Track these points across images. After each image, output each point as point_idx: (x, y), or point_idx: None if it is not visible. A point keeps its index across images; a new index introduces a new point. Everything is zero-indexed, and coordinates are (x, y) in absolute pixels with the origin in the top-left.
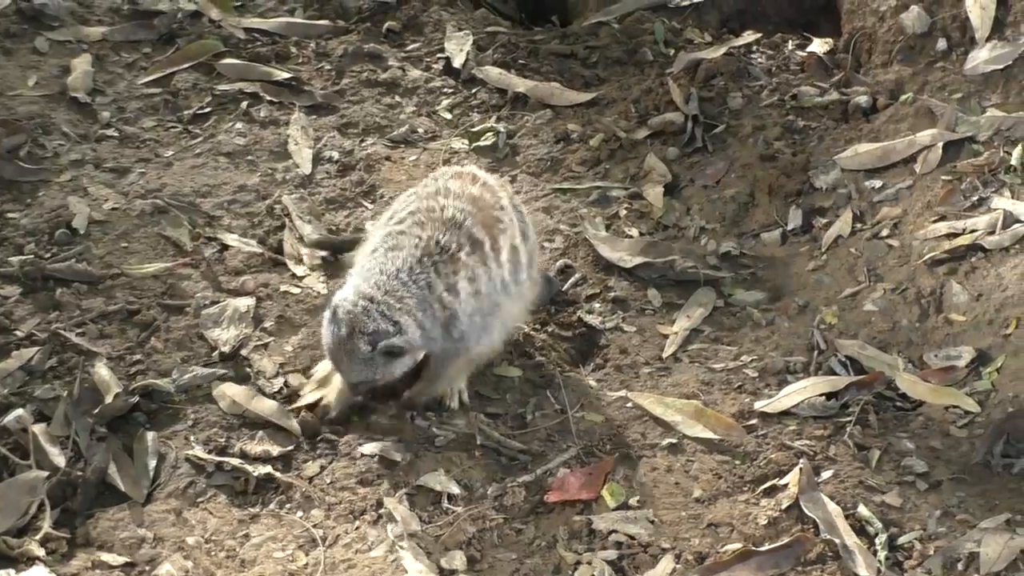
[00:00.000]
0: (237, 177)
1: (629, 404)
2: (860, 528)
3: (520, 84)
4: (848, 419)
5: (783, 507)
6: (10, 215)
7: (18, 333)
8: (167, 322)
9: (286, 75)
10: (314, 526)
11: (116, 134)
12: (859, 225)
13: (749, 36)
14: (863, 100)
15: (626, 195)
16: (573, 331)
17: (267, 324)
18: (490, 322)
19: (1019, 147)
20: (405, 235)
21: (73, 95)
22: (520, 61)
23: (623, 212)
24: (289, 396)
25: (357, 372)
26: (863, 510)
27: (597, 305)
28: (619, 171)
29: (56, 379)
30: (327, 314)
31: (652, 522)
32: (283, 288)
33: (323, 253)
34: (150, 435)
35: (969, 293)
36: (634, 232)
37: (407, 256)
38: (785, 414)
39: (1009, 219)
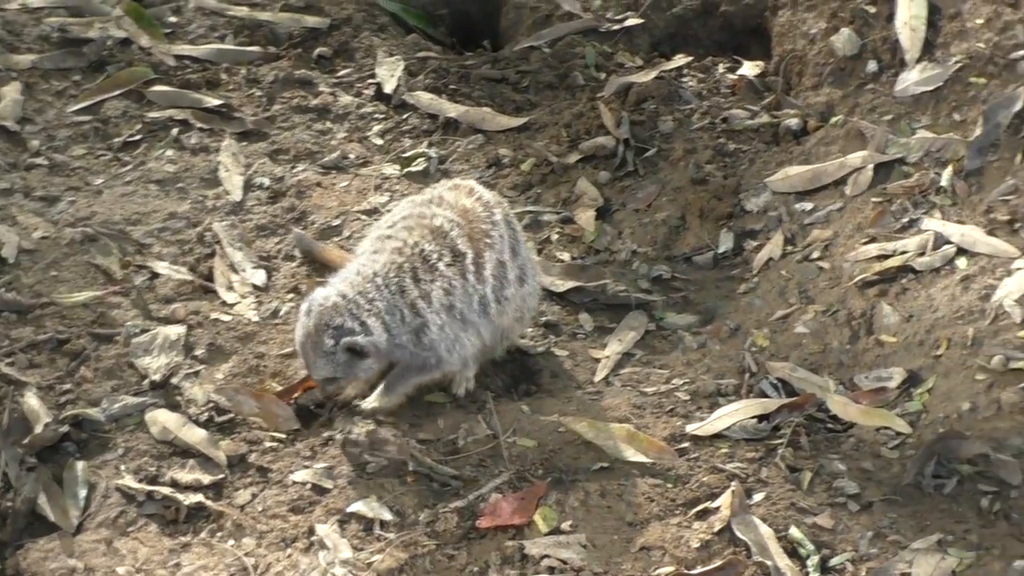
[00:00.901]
0: (167, 205)
1: (561, 428)
2: (792, 550)
3: (451, 109)
4: (780, 441)
5: (715, 530)
6: None
7: None
8: (97, 351)
9: (216, 102)
10: (246, 554)
11: (46, 162)
12: (790, 247)
13: (680, 59)
14: (794, 123)
15: (558, 219)
16: (505, 357)
17: (198, 352)
18: (462, 338)
19: (949, 168)
20: (391, 239)
21: (2, 123)
22: (451, 86)
23: (555, 236)
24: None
25: (320, 367)
26: (795, 532)
27: (529, 329)
28: (551, 195)
29: None
30: (303, 307)
31: (585, 546)
32: (214, 316)
33: (256, 281)
34: (80, 465)
35: (900, 314)
36: (566, 256)
37: (387, 260)
38: (717, 437)
39: (939, 240)
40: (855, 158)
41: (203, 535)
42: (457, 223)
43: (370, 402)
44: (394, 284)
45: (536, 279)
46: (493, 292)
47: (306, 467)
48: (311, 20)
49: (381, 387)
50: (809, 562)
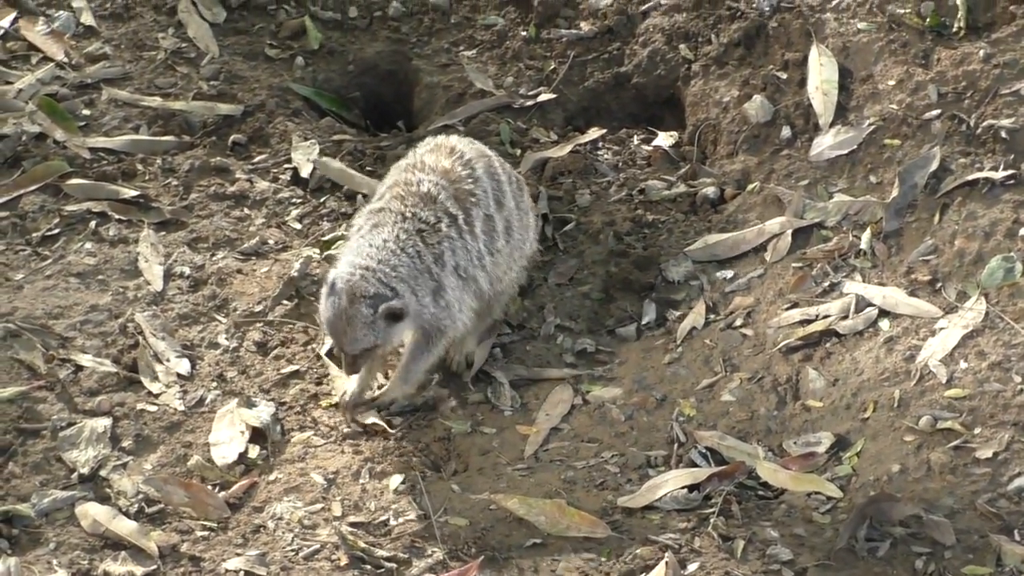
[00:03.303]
0: (89, 297)
1: (493, 506)
2: None
3: (368, 189)
4: (711, 510)
5: None
6: None
7: None
8: (24, 446)
9: (133, 193)
10: None
11: None
12: (712, 316)
13: (594, 132)
14: (711, 191)
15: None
16: (432, 436)
17: (125, 443)
18: (466, 299)
19: (868, 231)
20: (385, 211)
21: None
22: (367, 168)
23: None
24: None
25: (360, 338)
26: None
27: (456, 409)
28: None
29: None
30: (324, 290)
31: None
32: (139, 406)
33: (180, 370)
34: (12, 560)
35: (825, 379)
36: None
37: (392, 229)
38: (648, 508)
39: (861, 303)
40: (773, 224)
41: None
42: (442, 186)
43: (388, 393)
44: (411, 249)
45: (525, 228)
46: (485, 246)
47: (238, 555)
48: (224, 107)
49: (394, 378)
50: None
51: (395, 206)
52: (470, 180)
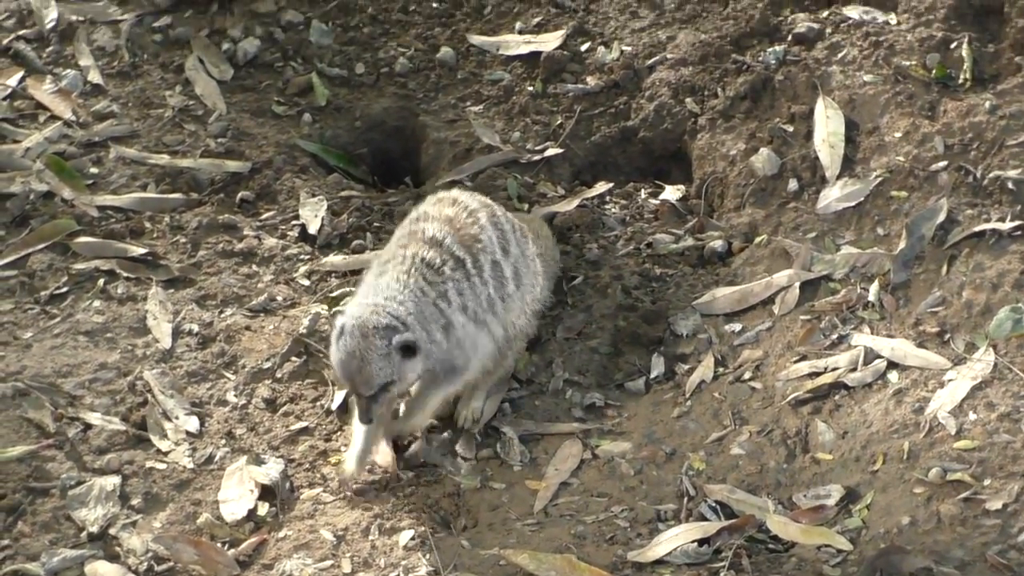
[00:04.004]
0: (97, 355)
1: (503, 562)
2: None
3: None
4: (722, 564)
5: None
6: None
7: None
8: (33, 505)
9: (141, 250)
10: None
11: None
12: (721, 369)
13: (602, 187)
14: (718, 244)
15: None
16: (442, 491)
17: (134, 501)
18: (480, 339)
19: (875, 283)
20: (392, 260)
21: None
22: (375, 224)
23: None
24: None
25: (376, 373)
26: None
27: (464, 463)
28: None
29: None
30: (334, 335)
31: None
32: (148, 464)
33: (189, 427)
34: None
35: (834, 431)
36: None
37: (395, 273)
38: (659, 563)
39: (870, 355)
40: (781, 277)
41: None
42: (447, 232)
43: (402, 423)
44: (414, 287)
45: (534, 275)
46: (495, 292)
47: None
48: (232, 165)
49: (404, 411)
50: None
51: (400, 252)
52: (475, 226)
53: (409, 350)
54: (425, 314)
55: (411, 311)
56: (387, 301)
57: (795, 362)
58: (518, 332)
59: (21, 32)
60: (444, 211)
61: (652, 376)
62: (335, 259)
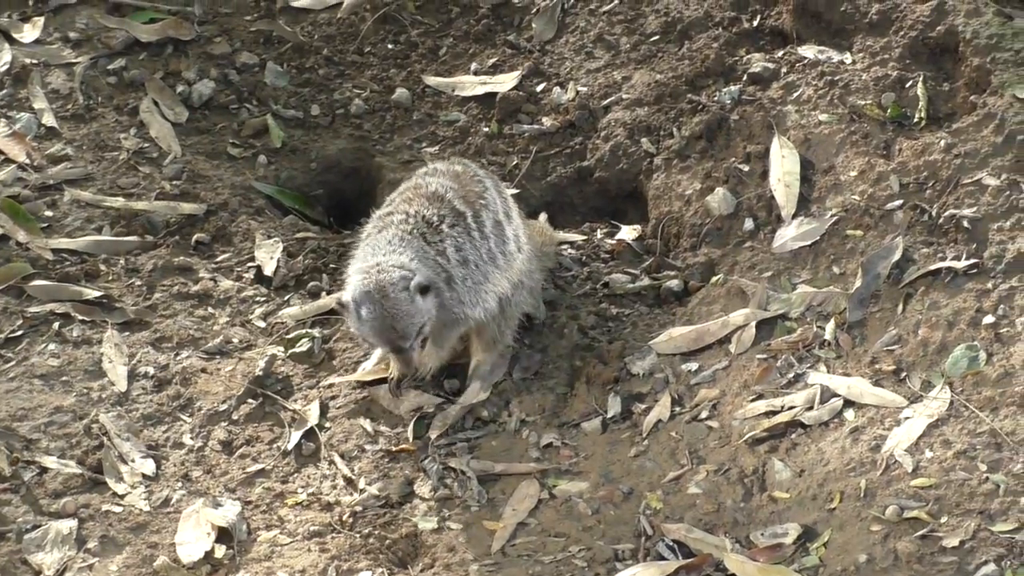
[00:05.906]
0: (53, 399)
1: None
2: None
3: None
4: None
5: None
6: None
7: None
8: None
9: (97, 293)
10: None
11: None
12: (678, 408)
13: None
14: (674, 284)
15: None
16: (399, 532)
17: (90, 545)
18: (484, 291)
19: (831, 321)
20: (393, 215)
21: None
22: (331, 265)
23: None
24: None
25: (410, 323)
26: None
27: (421, 505)
28: (437, 369)
29: None
30: (350, 307)
31: None
32: (105, 507)
33: (145, 470)
34: None
35: (791, 470)
36: None
37: (395, 231)
38: None
39: (826, 394)
40: (737, 316)
41: None
42: (451, 187)
43: (425, 363)
44: (415, 244)
45: (531, 248)
46: (496, 246)
47: None
48: (187, 207)
49: (428, 348)
50: None
51: (401, 208)
52: (480, 184)
53: (426, 288)
54: (425, 262)
55: (412, 258)
56: (390, 257)
57: (752, 401)
58: (522, 298)
59: None
60: (453, 167)
61: (609, 416)
62: (292, 310)
